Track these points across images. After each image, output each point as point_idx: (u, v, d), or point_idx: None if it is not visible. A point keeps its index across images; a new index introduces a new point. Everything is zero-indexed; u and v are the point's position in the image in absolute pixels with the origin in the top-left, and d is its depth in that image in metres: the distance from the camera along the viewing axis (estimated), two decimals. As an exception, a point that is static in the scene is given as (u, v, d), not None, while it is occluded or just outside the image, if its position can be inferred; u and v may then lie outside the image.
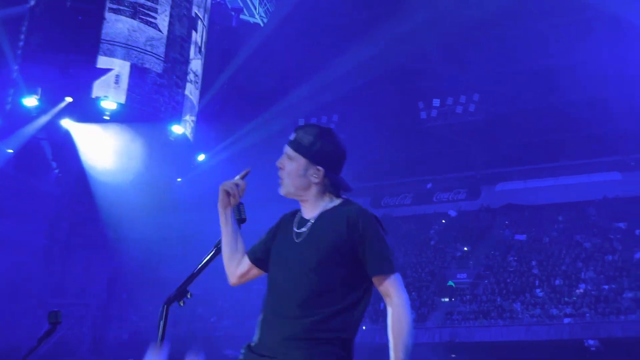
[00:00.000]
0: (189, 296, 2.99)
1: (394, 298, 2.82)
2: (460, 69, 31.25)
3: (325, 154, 2.94)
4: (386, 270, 2.83)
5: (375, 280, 2.84)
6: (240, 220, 3.06)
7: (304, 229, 2.91)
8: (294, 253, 2.86)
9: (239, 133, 32.78)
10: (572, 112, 28.98)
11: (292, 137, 2.98)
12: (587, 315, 24.53)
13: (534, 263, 28.70)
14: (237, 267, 3.07)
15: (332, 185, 2.96)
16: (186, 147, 29.71)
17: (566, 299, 25.77)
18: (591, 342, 23.39)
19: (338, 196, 2.99)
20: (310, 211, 2.96)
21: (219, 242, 3.06)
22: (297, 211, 3.02)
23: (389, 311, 2.80)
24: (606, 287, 25.71)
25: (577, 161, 31.75)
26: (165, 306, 2.89)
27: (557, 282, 26.96)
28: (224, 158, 32.34)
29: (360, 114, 33.80)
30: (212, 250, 3.12)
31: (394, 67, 31.17)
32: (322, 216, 2.92)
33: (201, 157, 32.05)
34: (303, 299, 2.75)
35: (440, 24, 28.42)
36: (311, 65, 31.64)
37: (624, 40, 27.07)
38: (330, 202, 2.97)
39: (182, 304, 2.95)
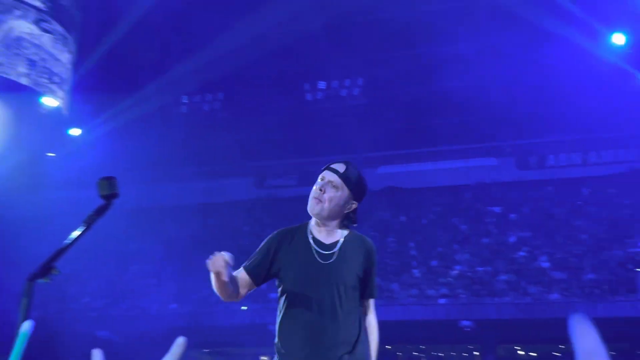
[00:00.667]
0: (55, 272, 2.67)
1: (374, 316, 3.61)
2: (346, 53, 31.37)
3: (362, 192, 3.50)
4: (375, 295, 3.56)
5: (366, 301, 3.51)
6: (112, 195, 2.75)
7: (331, 252, 3.34)
8: (325, 274, 3.28)
9: (118, 107, 31.33)
10: (452, 98, 29.83)
11: (340, 168, 3.44)
12: (462, 296, 25.47)
13: (412, 244, 29.47)
14: (238, 294, 3.39)
15: (352, 219, 3.49)
16: (59, 120, 27.96)
17: (442, 279, 26.64)
18: (465, 322, 24.31)
19: (347, 227, 3.48)
20: (329, 236, 3.40)
21: (90, 218, 2.68)
22: (297, 231, 3.40)
23: (371, 324, 3.54)
24: (481, 269, 26.80)
25: (456, 146, 32.86)
26: (29, 282, 2.60)
27: (433, 263, 27.81)
28: (101, 133, 30.86)
29: (246, 92, 33.26)
30: (82, 226, 2.70)
31: (280, 47, 30.77)
32: (346, 243, 3.41)
33: (75, 132, 30.34)
34: (337, 315, 3.25)
35: (328, 6, 28.35)
36: (196, 40, 30.65)
37: (503, 28, 28.08)
38: (345, 231, 3.47)
39: (47, 280, 2.70)
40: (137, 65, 32.10)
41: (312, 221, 3.53)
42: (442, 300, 25.27)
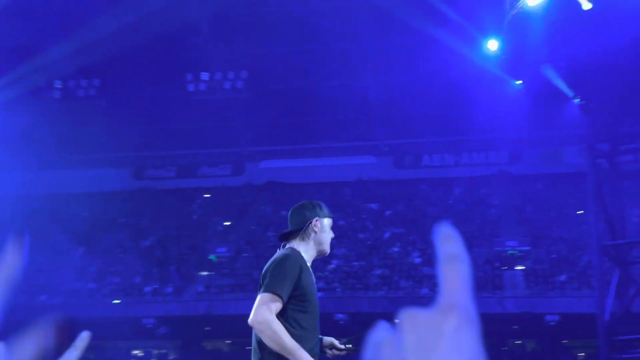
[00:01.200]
0: None
1: None
2: (230, 45, 31.03)
3: None
4: None
5: None
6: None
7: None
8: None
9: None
10: (333, 97, 30.26)
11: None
12: (338, 290, 25.93)
13: (293, 240, 29.65)
14: None
15: None
16: None
17: (319, 273, 26.98)
18: (340, 316, 24.76)
19: None
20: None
21: None
22: (302, 259, 3.82)
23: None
24: (357, 263, 27.41)
25: (336, 144, 33.39)
26: None
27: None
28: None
29: (125, 80, 32.06)
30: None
31: (163, 35, 29.92)
32: None
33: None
34: None
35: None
36: (72, 23, 29.20)
37: (385, 30, 28.83)
38: None
39: None
40: (8, 46, 30.18)
41: (302, 250, 3.87)
42: (319, 294, 25.58)
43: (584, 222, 22.28)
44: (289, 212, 4.02)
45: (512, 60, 16.54)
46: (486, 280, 25.63)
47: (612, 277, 17.89)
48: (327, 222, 3.97)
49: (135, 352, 27.78)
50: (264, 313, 3.55)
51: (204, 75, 32.57)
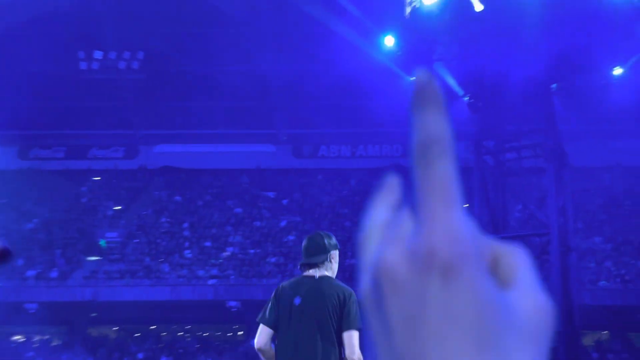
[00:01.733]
0: None
1: None
2: (126, 23, 29.97)
3: None
4: None
5: None
6: None
7: None
8: None
9: None
10: (233, 83, 29.92)
11: None
12: (232, 277, 25.79)
13: (186, 225, 29.20)
14: None
15: None
16: None
17: (213, 261, 26.75)
18: (233, 303, 24.66)
19: None
20: None
21: None
22: None
23: None
24: (252, 251, 27.35)
25: (236, 131, 33.09)
26: None
27: (206, 244, 27.82)
28: None
29: (12, 54, 30.34)
30: None
31: (55, 10, 28.57)
32: None
33: None
34: None
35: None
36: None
37: (285, 18, 28.74)
38: None
39: None
40: None
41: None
42: (211, 281, 25.38)
43: (470, 215, 23.19)
44: (309, 241, 4.31)
45: (407, 56, 16.94)
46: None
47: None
48: (338, 253, 4.35)
49: (16, 337, 26.56)
50: (358, 349, 4.03)
51: (97, 54, 31.32)
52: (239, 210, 30.59)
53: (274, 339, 4.27)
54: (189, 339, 26.89)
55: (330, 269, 4.26)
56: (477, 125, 16.48)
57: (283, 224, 29.42)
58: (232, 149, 33.28)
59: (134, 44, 31.03)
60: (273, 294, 4.38)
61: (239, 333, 28.28)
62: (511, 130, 16.74)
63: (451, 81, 16.40)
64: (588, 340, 26.56)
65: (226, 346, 26.34)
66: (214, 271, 26.00)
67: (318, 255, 4.21)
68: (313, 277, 4.19)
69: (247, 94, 30.82)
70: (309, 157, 34.34)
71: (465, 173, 19.72)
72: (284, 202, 31.25)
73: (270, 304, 4.32)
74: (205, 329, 28.06)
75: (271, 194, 31.69)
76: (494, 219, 18.30)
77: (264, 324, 4.25)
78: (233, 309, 24.62)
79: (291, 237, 28.54)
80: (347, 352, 3.97)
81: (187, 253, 27.23)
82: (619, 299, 24.32)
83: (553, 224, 16.86)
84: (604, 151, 30.10)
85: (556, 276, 17.24)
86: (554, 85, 16.23)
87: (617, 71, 17.78)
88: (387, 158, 33.65)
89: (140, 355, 24.94)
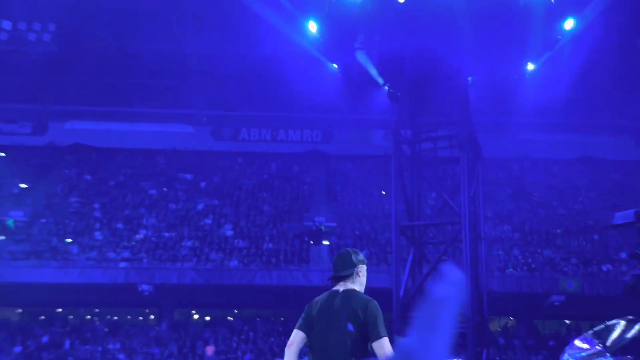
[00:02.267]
0: None
1: None
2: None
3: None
4: None
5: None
6: None
7: None
8: None
9: None
10: (151, 60, 29.11)
11: None
12: (145, 260, 25.22)
13: (97, 205, 28.32)
14: None
15: None
16: None
17: (125, 243, 26.08)
18: (145, 286, 24.14)
19: None
20: None
21: None
22: None
23: None
24: (167, 234, 26.80)
25: (153, 109, 32.22)
26: None
27: (118, 226, 27.08)
28: None
29: None
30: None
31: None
32: None
33: None
34: None
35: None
36: None
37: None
38: None
39: None
40: None
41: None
42: (123, 264, 24.75)
43: (387, 202, 23.51)
44: (338, 256, 4.66)
45: (330, 43, 16.90)
46: (294, 254, 26.29)
47: (409, 256, 19.09)
48: (365, 267, 4.64)
49: None
50: (389, 352, 4.28)
51: (6, 24, 29.73)
52: (153, 191, 29.89)
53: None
54: (97, 323, 26.19)
55: (358, 282, 4.60)
56: (395, 114, 16.66)
57: (200, 207, 28.98)
58: (148, 128, 32.43)
59: (45, 16, 29.62)
60: (305, 308, 4.74)
61: (151, 317, 27.77)
62: (428, 120, 17.01)
63: (372, 70, 16.48)
64: (495, 325, 27.56)
65: (136, 330, 25.79)
66: (126, 254, 25.34)
67: (346, 269, 4.56)
68: (338, 291, 4.54)
69: (165, 72, 30.05)
70: (229, 139, 33.92)
71: (385, 160, 20.00)
72: (202, 184, 30.76)
73: (302, 316, 4.71)
74: (115, 313, 27.40)
75: (188, 176, 31.13)
76: (409, 207, 18.59)
77: (297, 328, 4.66)
78: (145, 293, 24.11)
79: (208, 221, 28.16)
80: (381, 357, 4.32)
81: (98, 234, 26.43)
82: (525, 286, 25.27)
83: (465, 213, 17.27)
84: (514, 143, 31.17)
85: (467, 263, 17.70)
86: (469, 78, 16.58)
87: (530, 67, 18.33)
88: (308, 143, 33.70)
89: (44, 339, 24.09)
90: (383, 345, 4.33)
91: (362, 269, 4.58)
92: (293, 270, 25.27)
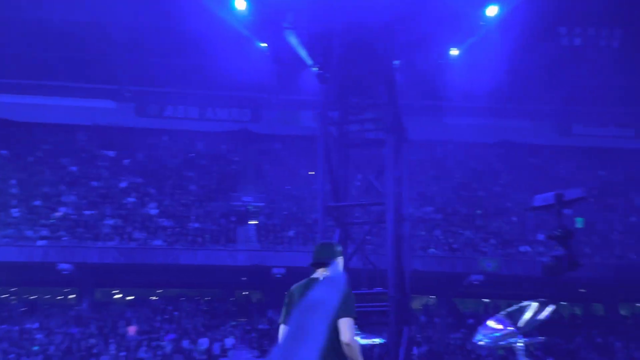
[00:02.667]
0: None
1: None
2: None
3: None
4: None
5: None
6: None
7: None
8: None
9: None
10: (71, 32, 27.99)
11: None
12: (64, 238, 24.55)
13: (14, 182, 27.31)
14: None
15: None
16: None
17: (43, 221, 25.29)
18: (64, 265, 23.52)
19: None
20: None
21: None
22: None
23: None
24: (87, 212, 26.13)
25: (74, 84, 31.08)
26: None
27: (36, 203, 26.23)
28: None
29: None
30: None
31: None
32: None
33: None
34: None
35: None
36: None
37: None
38: None
39: None
40: None
41: None
42: (41, 242, 24.00)
43: (315, 183, 23.62)
44: (319, 245, 5.10)
45: (259, 22, 16.76)
46: (220, 234, 26.12)
47: (334, 236, 19.28)
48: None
49: None
50: (353, 334, 4.63)
51: None
52: (74, 168, 29.02)
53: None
54: (14, 302, 25.39)
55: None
56: (323, 95, 16.69)
57: (123, 185, 28.35)
58: (68, 103, 31.31)
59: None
60: (285, 298, 5.02)
61: (70, 296, 27.12)
62: (355, 102, 17.14)
63: (301, 50, 16.44)
64: (417, 304, 28.27)
65: (55, 310, 25.14)
66: (44, 232, 24.57)
67: (328, 257, 4.87)
68: (318, 278, 4.89)
69: (87, 46, 29.01)
70: (153, 116, 33.19)
71: (313, 141, 20.00)
72: (125, 162, 30.07)
73: (284, 308, 4.99)
74: (33, 292, 26.60)
75: (111, 153, 30.35)
76: (336, 188, 18.74)
77: (282, 323, 4.96)
78: (64, 272, 23.49)
79: (131, 199, 27.61)
80: (341, 337, 4.62)
81: (15, 212, 25.50)
82: (446, 266, 25.98)
83: (389, 194, 17.55)
84: (439, 127, 31.81)
85: (390, 243, 18.03)
86: (396, 62, 16.77)
87: (454, 52, 18.71)
88: (237, 122, 33.39)
89: (-43, 319, 23.22)
90: (345, 324, 4.64)
91: (341, 260, 4.95)
92: (219, 249, 25.13)
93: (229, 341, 23.62)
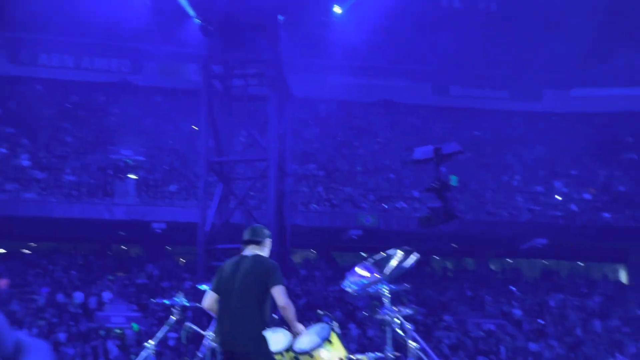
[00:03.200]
0: None
1: None
2: None
3: None
4: None
5: None
6: None
7: None
8: None
9: None
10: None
11: None
12: None
13: None
14: None
15: None
16: None
17: None
18: None
19: None
20: None
21: None
22: None
23: None
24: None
25: None
26: None
27: None
28: None
29: None
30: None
31: None
32: None
33: None
34: None
35: None
36: None
37: None
38: None
39: None
40: None
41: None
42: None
43: (197, 137, 23.34)
44: (251, 227, 5.79)
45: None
46: (98, 187, 25.38)
47: (216, 190, 19.32)
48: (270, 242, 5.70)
49: None
50: (286, 299, 5.29)
51: None
52: None
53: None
54: None
55: (265, 251, 5.57)
56: (206, 49, 16.51)
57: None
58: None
59: None
60: (217, 270, 5.64)
61: None
62: (239, 57, 17.08)
63: (183, 1, 16.13)
64: (298, 258, 28.94)
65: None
66: None
67: (259, 237, 5.58)
68: (247, 255, 5.49)
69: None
70: (26, 64, 31.40)
71: (196, 95, 19.79)
72: (-2, 111, 28.41)
73: (215, 279, 5.58)
74: None
75: None
76: (219, 142, 18.74)
77: (211, 289, 5.54)
78: None
79: (2, 150, 26.23)
80: (278, 303, 5.26)
81: None
82: (327, 221, 26.66)
83: (272, 150, 17.78)
84: (322, 84, 32.21)
85: (273, 198, 18.35)
86: (280, 17, 16.83)
87: (337, 10, 18.98)
88: (116, 73, 32.24)
89: None
90: (279, 291, 5.25)
91: (269, 242, 5.61)
92: (96, 203, 24.46)
93: (106, 295, 23.27)
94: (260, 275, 5.31)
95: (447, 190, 9.19)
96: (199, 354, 7.36)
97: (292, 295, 19.82)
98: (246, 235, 5.59)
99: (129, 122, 29.01)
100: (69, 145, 27.79)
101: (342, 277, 6.11)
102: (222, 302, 5.38)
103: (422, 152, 9.47)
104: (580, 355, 23.91)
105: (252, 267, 5.35)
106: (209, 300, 5.48)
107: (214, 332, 5.69)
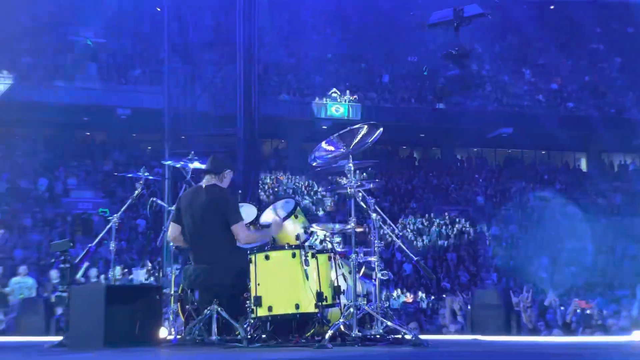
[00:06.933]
0: None
1: None
2: None
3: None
4: None
5: None
6: None
7: None
8: None
9: None
10: None
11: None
12: None
13: None
14: None
15: None
16: None
17: None
18: None
19: None
20: None
21: None
22: None
23: None
24: None
25: None
26: None
27: None
28: None
29: None
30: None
31: None
32: None
33: None
34: None
35: None
36: None
37: None
38: None
39: None
40: None
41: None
42: None
43: (161, 19, 22.18)
44: (211, 157, 5.73)
45: None
46: (57, 70, 24.30)
47: (180, 75, 18.56)
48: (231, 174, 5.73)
49: None
50: (246, 234, 5.44)
51: None
52: None
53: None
54: None
55: (222, 183, 5.61)
56: None
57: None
58: None
59: None
60: (177, 200, 5.73)
61: None
62: None
63: None
64: (267, 147, 28.71)
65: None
66: None
67: (215, 168, 5.60)
68: (202, 185, 5.56)
69: None
70: None
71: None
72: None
73: (174, 210, 5.68)
74: None
75: None
76: (184, 25, 17.90)
77: (172, 221, 5.66)
78: None
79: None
80: (239, 240, 5.39)
81: None
82: (297, 112, 26.26)
83: (240, 33, 17.00)
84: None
85: (240, 86, 17.71)
86: None
87: None
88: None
89: None
90: (238, 228, 5.35)
91: (228, 173, 5.66)
92: (56, 87, 23.50)
93: (72, 182, 22.85)
94: (218, 211, 5.40)
95: (467, 58, 8.56)
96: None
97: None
98: (206, 166, 5.64)
99: (87, 2, 27.36)
100: (22, 26, 26.30)
101: (311, 167, 5.90)
102: (187, 234, 5.52)
103: (440, 16, 8.71)
104: (538, 239, 24.06)
105: (211, 200, 5.42)
106: (172, 231, 5.62)
107: (184, 275, 5.65)
